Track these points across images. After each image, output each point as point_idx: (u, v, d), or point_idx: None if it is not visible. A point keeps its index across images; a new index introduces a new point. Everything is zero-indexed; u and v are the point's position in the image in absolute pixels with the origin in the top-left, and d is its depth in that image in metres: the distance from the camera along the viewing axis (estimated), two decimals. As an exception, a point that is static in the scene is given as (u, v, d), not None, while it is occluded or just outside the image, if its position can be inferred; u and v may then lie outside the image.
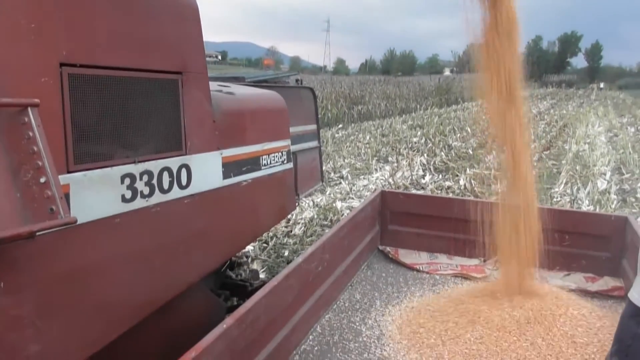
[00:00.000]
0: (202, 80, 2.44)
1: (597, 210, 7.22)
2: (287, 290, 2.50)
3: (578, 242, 3.65)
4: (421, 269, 3.80)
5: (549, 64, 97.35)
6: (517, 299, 2.90)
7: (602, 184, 8.97)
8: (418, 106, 27.13)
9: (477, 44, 2.93)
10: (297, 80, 4.57)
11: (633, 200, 8.17)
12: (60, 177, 1.60)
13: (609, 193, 8.42)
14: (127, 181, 2.01)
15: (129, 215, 2.01)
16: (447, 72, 73.64)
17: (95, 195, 1.86)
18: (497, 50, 2.81)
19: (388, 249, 4.08)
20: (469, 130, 16.22)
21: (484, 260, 3.83)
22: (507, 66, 2.83)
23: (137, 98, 2.06)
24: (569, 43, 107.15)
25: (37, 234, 1.51)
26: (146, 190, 2.10)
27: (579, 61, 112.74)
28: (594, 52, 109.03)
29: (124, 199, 1.99)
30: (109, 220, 1.92)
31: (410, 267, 3.83)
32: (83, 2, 1.83)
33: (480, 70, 2.94)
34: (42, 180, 1.53)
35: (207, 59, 2.67)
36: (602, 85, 68.94)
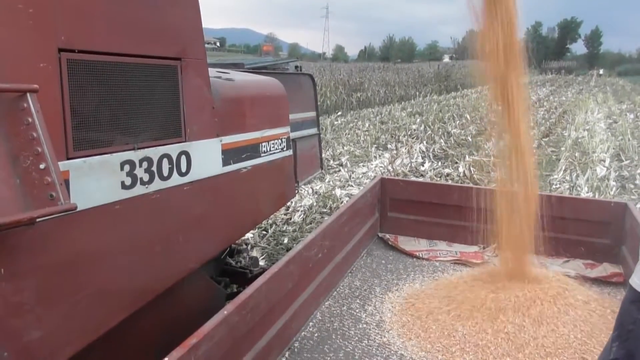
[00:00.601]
0: (201, 66, 2.42)
1: (597, 196, 7.23)
2: (287, 277, 2.51)
3: (577, 229, 3.65)
4: (421, 255, 3.81)
5: (549, 51, 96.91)
6: (517, 285, 2.91)
7: (601, 171, 8.97)
8: (417, 93, 27.04)
9: (476, 30, 2.92)
10: (296, 67, 4.55)
11: (632, 186, 8.18)
12: (59, 163, 1.60)
13: (608, 180, 8.43)
14: (127, 168, 2.00)
15: (128, 202, 2.00)
16: (446, 59, 73.26)
17: (95, 182, 1.86)
18: (496, 37, 2.79)
19: (387, 236, 4.09)
20: (468, 117, 16.18)
21: (483, 247, 3.84)
22: (507, 53, 2.81)
23: (136, 84, 2.05)
24: (569, 29, 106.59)
25: (37, 220, 1.50)
26: (146, 177, 2.09)
27: (578, 47, 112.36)
28: (594, 39, 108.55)
29: (123, 186, 1.98)
30: (109, 207, 1.92)
31: (409, 254, 3.84)
32: None
33: (480, 57, 2.93)
34: (42, 166, 1.52)
35: (206, 45, 2.65)
36: (601, 71, 68.70)
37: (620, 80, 51.69)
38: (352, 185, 7.93)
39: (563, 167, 9.34)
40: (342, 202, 6.65)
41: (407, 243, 3.99)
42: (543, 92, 30.22)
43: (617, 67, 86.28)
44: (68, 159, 1.75)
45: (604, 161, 9.90)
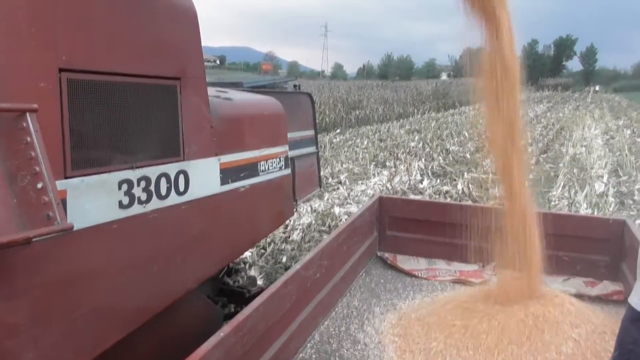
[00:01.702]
0: (200, 85, 2.44)
1: (596, 213, 7.22)
2: (285, 297, 2.48)
3: (577, 246, 3.64)
4: (420, 275, 3.78)
5: (545, 68, 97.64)
6: (517, 304, 2.89)
7: (599, 187, 8.98)
8: (415, 111, 27.17)
9: (473, 49, 2.94)
10: (295, 86, 4.57)
11: (631, 202, 8.18)
12: (57, 182, 1.60)
13: (607, 196, 8.43)
14: (125, 187, 2.00)
15: (125, 221, 1.99)
16: (444, 77, 73.77)
17: (92, 201, 1.85)
18: (493, 55, 2.82)
19: (386, 254, 4.07)
20: (466, 134, 16.24)
21: (483, 266, 3.82)
22: (504, 70, 2.83)
23: (135, 103, 2.06)
24: (564, 46, 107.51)
25: (34, 239, 1.50)
26: (143, 196, 2.09)
27: (574, 64, 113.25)
28: (589, 56, 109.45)
29: (121, 205, 1.98)
30: (106, 227, 1.91)
31: (408, 273, 3.82)
32: (82, 7, 1.83)
33: (477, 75, 2.95)
34: (39, 186, 1.52)
35: (206, 63, 2.67)
36: (597, 88, 69.15)
37: (616, 97, 52.07)
38: (351, 203, 7.91)
39: (561, 184, 9.34)
40: (341, 220, 6.63)
41: (406, 262, 3.96)
42: (540, 109, 30.40)
43: (612, 83, 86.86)
44: (66, 177, 1.75)
45: (602, 177, 9.91)
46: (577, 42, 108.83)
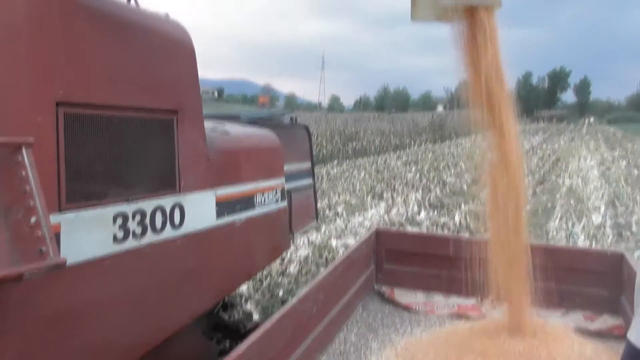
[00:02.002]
0: (197, 119, 2.45)
1: (594, 245, 7.19)
2: (281, 333, 2.44)
3: (575, 279, 3.61)
4: (417, 309, 3.73)
5: (540, 100, 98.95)
6: (516, 338, 2.85)
7: (596, 218, 8.98)
8: (412, 142, 27.36)
9: (466, 81, 2.98)
10: (291, 119, 4.60)
11: (629, 234, 8.16)
12: (51, 216, 1.59)
13: (604, 227, 8.42)
14: (120, 221, 1.99)
15: (119, 255, 1.98)
16: (440, 109, 74.55)
17: (86, 235, 1.84)
18: (483, 86, 2.85)
19: (384, 288, 4.02)
20: (463, 166, 16.31)
21: (481, 299, 3.78)
22: (497, 103, 2.86)
23: (132, 137, 2.06)
24: (558, 79, 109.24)
25: (25, 275, 1.48)
26: (138, 230, 2.07)
27: (568, 96, 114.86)
28: (583, 88, 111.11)
29: (115, 239, 1.96)
30: (99, 261, 1.89)
31: (406, 307, 3.77)
32: (80, 42, 1.85)
33: (471, 107, 2.98)
34: (33, 220, 1.51)
35: (204, 95, 2.70)
36: (592, 119, 69.98)
37: (610, 128, 52.57)
38: (348, 235, 7.88)
39: (559, 215, 9.34)
40: (338, 253, 6.59)
41: (403, 296, 3.92)
42: (536, 140, 30.64)
43: (607, 115, 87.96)
44: (60, 211, 1.74)
45: (599, 209, 9.92)
46: (570, 74, 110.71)
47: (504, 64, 2.89)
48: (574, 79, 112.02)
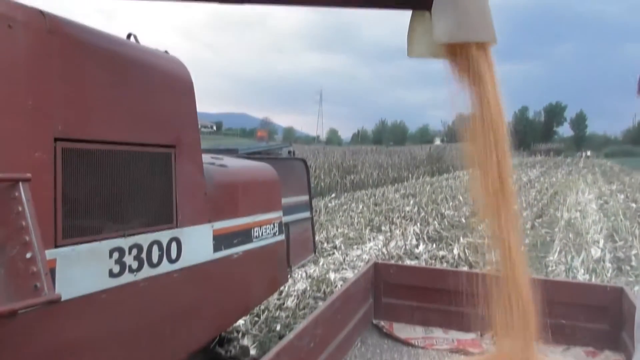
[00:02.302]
0: (195, 153, 2.47)
1: (593, 279, 7.14)
2: (278, 368, 2.40)
3: (575, 314, 3.57)
4: (416, 344, 3.68)
5: (536, 133, 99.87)
6: (516, 375, 2.80)
7: (596, 252, 8.94)
8: (410, 175, 27.44)
9: (464, 114, 3.01)
10: (289, 152, 4.64)
11: (628, 268, 8.12)
12: (47, 251, 1.58)
13: (604, 261, 8.38)
14: (116, 255, 1.98)
15: (115, 290, 1.96)
16: (437, 142, 75.07)
17: (82, 270, 1.83)
18: (482, 122, 2.88)
19: (382, 323, 3.97)
20: (461, 198, 16.32)
21: (481, 335, 3.73)
22: (492, 134, 2.88)
23: (129, 172, 2.07)
24: (554, 113, 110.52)
25: (20, 312, 1.46)
26: (135, 265, 2.06)
27: (565, 130, 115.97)
28: (579, 121, 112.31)
29: (111, 274, 1.95)
30: (95, 296, 1.87)
31: (405, 342, 3.72)
32: (80, 77, 1.88)
33: (467, 140, 3.00)
34: (28, 255, 1.51)
35: (203, 129, 2.73)
36: (589, 153, 70.45)
37: (608, 162, 52.87)
38: (346, 269, 7.82)
39: (558, 249, 9.31)
40: (336, 286, 6.53)
41: (402, 330, 3.87)
42: (534, 173, 30.75)
43: (603, 148, 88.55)
44: (56, 246, 1.74)
45: (598, 242, 9.89)
46: (566, 108, 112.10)
47: (501, 99, 2.92)
48: (570, 113, 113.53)
